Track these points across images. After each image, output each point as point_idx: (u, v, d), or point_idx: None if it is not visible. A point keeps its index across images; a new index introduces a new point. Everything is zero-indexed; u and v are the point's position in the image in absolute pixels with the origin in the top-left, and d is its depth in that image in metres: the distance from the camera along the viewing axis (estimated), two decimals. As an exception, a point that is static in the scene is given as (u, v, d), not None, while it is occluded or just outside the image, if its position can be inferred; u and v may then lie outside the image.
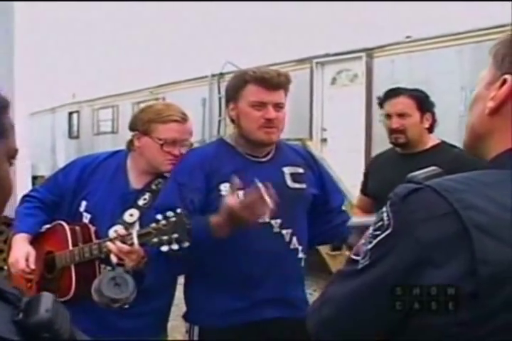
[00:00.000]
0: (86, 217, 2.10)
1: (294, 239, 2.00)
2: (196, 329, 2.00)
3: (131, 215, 2.05)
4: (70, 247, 2.02)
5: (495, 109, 0.94)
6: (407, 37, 7.79)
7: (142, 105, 12.39)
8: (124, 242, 1.85)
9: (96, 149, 12.87)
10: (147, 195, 2.07)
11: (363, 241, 0.93)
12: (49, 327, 0.70)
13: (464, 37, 6.87)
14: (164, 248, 1.76)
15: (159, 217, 1.78)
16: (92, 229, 2.07)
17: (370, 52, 7.95)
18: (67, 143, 15.11)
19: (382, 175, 2.66)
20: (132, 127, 2.13)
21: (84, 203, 2.11)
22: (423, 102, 2.56)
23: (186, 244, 1.76)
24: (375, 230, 0.90)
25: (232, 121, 2.02)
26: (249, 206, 1.74)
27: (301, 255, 2.04)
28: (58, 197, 2.18)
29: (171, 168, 2.03)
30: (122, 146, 2.23)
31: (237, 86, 1.97)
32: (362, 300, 0.89)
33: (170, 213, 1.76)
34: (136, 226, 2.01)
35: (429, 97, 2.61)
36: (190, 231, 1.76)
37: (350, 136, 8.01)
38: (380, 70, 7.82)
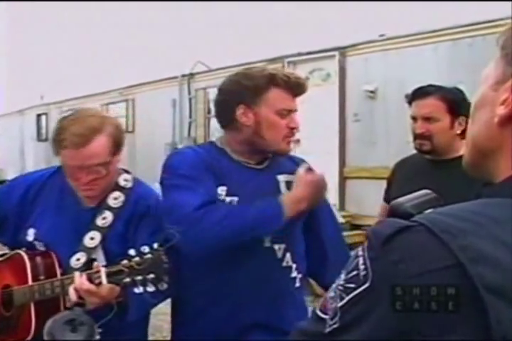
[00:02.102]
0: (40, 245, 1.85)
1: (288, 255, 1.79)
2: None
3: (92, 239, 1.81)
4: (30, 281, 1.76)
5: (508, 116, 0.70)
6: (381, 35, 7.69)
7: (112, 106, 12.36)
8: (90, 280, 1.62)
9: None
10: (106, 214, 1.83)
11: (331, 293, 0.69)
12: None
13: (440, 35, 6.77)
14: (138, 289, 1.58)
15: (132, 252, 1.59)
16: (55, 257, 1.81)
17: (343, 50, 7.85)
18: (36, 146, 15.12)
19: (409, 184, 2.39)
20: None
21: (32, 231, 1.86)
22: (456, 105, 2.22)
23: (164, 286, 1.58)
24: (347, 281, 0.66)
25: (246, 127, 1.78)
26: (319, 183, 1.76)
27: (294, 274, 1.82)
28: (2, 221, 1.93)
29: (89, 193, 1.82)
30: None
31: (257, 87, 1.75)
32: None
33: (145, 248, 1.58)
34: (100, 252, 1.81)
35: (465, 99, 2.25)
36: (167, 270, 1.58)
37: (324, 137, 7.85)
38: (354, 69, 7.72)
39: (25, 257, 1.80)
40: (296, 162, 1.93)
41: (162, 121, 10.56)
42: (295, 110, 1.81)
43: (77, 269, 1.74)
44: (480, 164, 0.76)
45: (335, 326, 0.66)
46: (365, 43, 7.65)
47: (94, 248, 1.80)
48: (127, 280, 1.57)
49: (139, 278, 1.56)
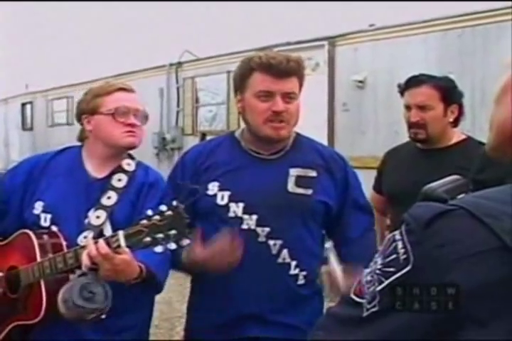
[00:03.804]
0: (45, 219, 1.84)
1: (284, 251, 1.74)
2: (184, 338, 1.93)
3: (98, 217, 1.83)
4: (39, 259, 1.75)
5: None
6: (371, 25, 7.65)
7: None
8: (108, 244, 1.59)
9: (51, 141, 12.68)
10: (111, 193, 1.87)
11: (367, 277, 0.68)
12: None
13: (429, 25, 6.75)
14: (159, 248, 1.53)
15: (150, 212, 1.55)
16: (62, 237, 1.80)
17: (332, 40, 7.81)
18: (21, 136, 15.03)
19: (400, 173, 2.41)
20: (79, 114, 1.98)
21: (39, 204, 1.87)
22: (449, 93, 2.27)
23: (187, 241, 1.55)
24: (385, 265, 0.66)
25: (240, 114, 1.85)
26: (217, 255, 1.64)
27: (294, 271, 1.77)
28: (5, 204, 1.93)
29: (132, 140, 1.88)
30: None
31: (243, 74, 1.77)
32: None
33: (163, 207, 1.54)
34: (108, 229, 1.81)
35: (457, 87, 2.31)
36: (189, 225, 1.55)
37: (312, 126, 7.80)
38: (343, 59, 7.69)
39: (32, 236, 1.79)
40: (323, 154, 1.86)
41: (149, 110, 10.35)
42: (283, 93, 1.73)
43: (83, 247, 1.71)
44: (506, 148, 0.76)
45: (373, 309, 0.66)
46: (355, 33, 7.60)
47: (100, 225, 1.82)
48: (147, 239, 1.53)
49: (160, 235, 1.52)
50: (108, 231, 1.80)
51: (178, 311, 5.03)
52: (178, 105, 10.38)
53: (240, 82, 1.79)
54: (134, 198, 1.89)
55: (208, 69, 9.69)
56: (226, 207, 1.74)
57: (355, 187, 1.90)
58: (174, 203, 1.54)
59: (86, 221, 1.82)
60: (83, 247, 1.66)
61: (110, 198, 1.87)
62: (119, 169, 1.93)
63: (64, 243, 1.78)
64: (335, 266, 1.67)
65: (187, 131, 10.17)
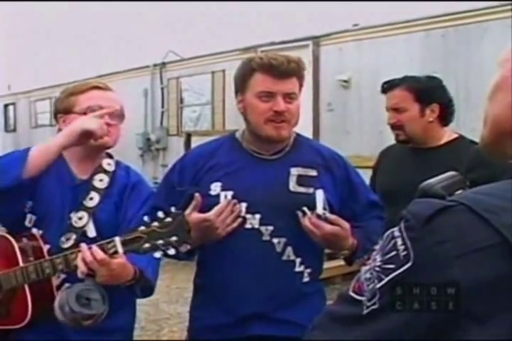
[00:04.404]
0: (30, 220, 1.81)
1: (289, 249, 1.76)
2: (187, 337, 1.93)
3: (80, 218, 1.80)
4: (21, 263, 1.71)
5: None
6: (355, 25, 7.70)
7: None
8: (103, 250, 1.57)
9: (34, 143, 12.46)
10: (93, 194, 1.85)
11: (366, 275, 0.68)
12: None
13: (412, 25, 6.80)
14: (158, 254, 1.54)
15: (146, 219, 1.55)
16: (40, 240, 1.76)
17: (316, 40, 7.84)
18: (4, 137, 14.95)
19: (392, 172, 2.44)
20: (55, 113, 1.94)
21: (29, 203, 1.82)
22: (424, 93, 2.28)
23: (187, 247, 1.56)
24: (385, 262, 0.66)
25: (242, 114, 1.86)
26: (213, 218, 1.68)
27: (299, 269, 1.79)
28: None
29: (105, 140, 1.81)
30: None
31: (243, 75, 1.80)
32: None
33: (160, 214, 1.54)
34: (92, 230, 1.80)
35: (437, 87, 2.32)
36: (190, 231, 1.56)
37: (298, 127, 7.82)
38: (327, 59, 7.72)
39: (12, 240, 1.75)
40: (323, 154, 1.88)
41: (134, 110, 10.42)
42: (284, 93, 1.75)
43: (66, 249, 1.72)
44: (501, 143, 0.76)
45: (374, 307, 0.65)
46: (339, 33, 7.64)
47: (83, 227, 1.79)
48: (146, 245, 1.53)
49: (160, 241, 1.52)
50: (92, 232, 1.79)
51: (165, 313, 5.02)
52: (162, 106, 10.36)
53: (241, 82, 1.81)
54: (117, 199, 1.87)
55: (192, 69, 9.68)
56: None
57: (360, 184, 1.92)
58: (172, 209, 1.55)
59: (67, 222, 1.80)
60: (73, 253, 1.64)
61: (92, 199, 1.84)
62: (100, 169, 1.90)
63: (43, 245, 1.75)
64: (319, 206, 1.70)
65: (172, 132, 10.15)
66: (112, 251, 1.57)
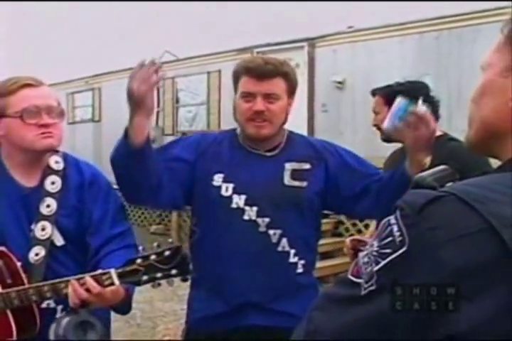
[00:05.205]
0: None
1: (284, 240, 1.83)
2: (185, 330, 1.97)
3: (43, 229, 1.68)
4: None
5: None
6: (349, 27, 7.76)
7: (77, 95, 12.15)
8: (98, 282, 1.51)
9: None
10: (49, 200, 1.71)
11: (364, 259, 0.74)
12: None
13: (406, 28, 6.86)
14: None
15: (142, 252, 1.54)
16: (13, 256, 1.64)
17: (312, 42, 7.89)
18: None
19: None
20: None
21: None
22: (390, 97, 2.41)
23: (188, 277, 1.55)
24: (382, 247, 0.71)
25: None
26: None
27: (294, 259, 1.85)
28: None
29: (49, 142, 1.67)
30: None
31: (235, 78, 1.90)
32: (368, 335, 0.70)
33: (159, 244, 1.53)
34: (60, 239, 1.70)
35: (409, 90, 2.43)
36: (190, 262, 1.54)
37: (292, 127, 7.82)
38: (322, 60, 7.78)
39: None
40: (314, 145, 1.96)
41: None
42: (264, 94, 1.81)
43: (38, 265, 1.65)
44: (487, 143, 0.82)
45: (371, 288, 0.70)
46: (334, 35, 7.71)
47: (50, 237, 1.68)
48: (145, 278, 1.50)
49: (159, 274, 1.50)
50: (59, 241, 1.69)
51: (160, 310, 5.06)
52: (158, 105, 10.36)
53: (234, 85, 1.91)
54: (76, 203, 1.74)
55: (188, 69, 9.71)
56: (230, 198, 1.83)
57: (359, 163, 1.96)
58: (170, 240, 1.57)
59: (31, 235, 1.67)
60: (61, 282, 1.56)
61: (50, 206, 1.70)
62: (49, 170, 1.74)
63: (16, 262, 1.63)
64: (421, 107, 1.76)
65: (167, 131, 10.17)
66: (107, 282, 1.51)
